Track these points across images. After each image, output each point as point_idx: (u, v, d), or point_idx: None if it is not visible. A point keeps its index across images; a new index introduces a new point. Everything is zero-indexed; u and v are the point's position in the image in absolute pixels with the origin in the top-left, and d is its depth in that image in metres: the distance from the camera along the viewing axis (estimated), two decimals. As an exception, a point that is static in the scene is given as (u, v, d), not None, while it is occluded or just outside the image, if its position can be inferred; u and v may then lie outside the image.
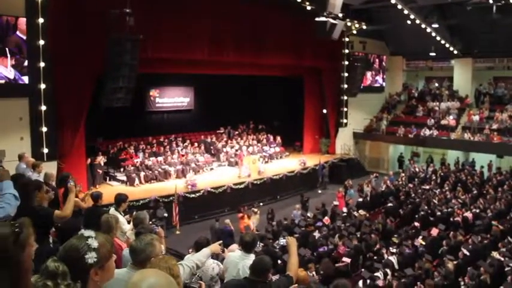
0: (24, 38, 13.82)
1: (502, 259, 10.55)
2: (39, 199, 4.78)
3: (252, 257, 4.67)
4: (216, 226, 14.85)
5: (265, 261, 4.14)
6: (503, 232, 12.86)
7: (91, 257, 1.97)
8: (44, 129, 14.53)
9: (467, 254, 11.05)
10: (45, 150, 14.56)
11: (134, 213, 6.95)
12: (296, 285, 4.01)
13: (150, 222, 7.12)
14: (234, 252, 5.19)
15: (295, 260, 4.52)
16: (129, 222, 6.41)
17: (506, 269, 9.92)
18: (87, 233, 2.05)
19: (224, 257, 5.31)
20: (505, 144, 22.92)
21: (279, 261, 10.02)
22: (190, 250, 8.88)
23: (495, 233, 12.71)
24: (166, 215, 16.01)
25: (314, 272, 9.22)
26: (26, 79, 14.05)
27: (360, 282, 9.49)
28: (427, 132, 25.65)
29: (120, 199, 6.65)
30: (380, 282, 9.39)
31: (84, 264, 1.96)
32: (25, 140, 14.25)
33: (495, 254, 10.93)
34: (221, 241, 4.94)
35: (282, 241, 11.77)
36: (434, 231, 12.95)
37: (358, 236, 12.72)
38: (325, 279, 9.20)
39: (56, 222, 4.89)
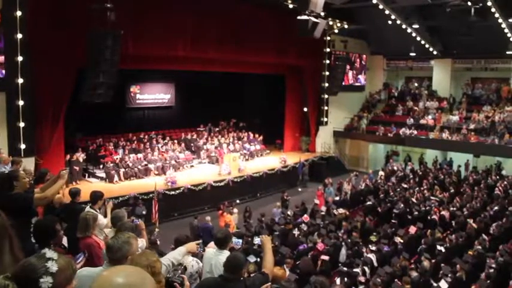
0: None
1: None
2: (19, 188, 4.73)
3: (225, 253, 4.69)
4: (194, 223, 14.83)
5: (239, 258, 4.16)
6: (478, 230, 13.10)
7: (45, 282, 1.82)
8: (22, 124, 14.27)
9: (443, 251, 11.24)
10: (23, 146, 14.31)
11: (108, 201, 6.90)
12: (269, 283, 4.03)
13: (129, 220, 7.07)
14: (210, 249, 5.21)
15: (270, 258, 4.58)
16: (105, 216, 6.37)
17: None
18: (49, 253, 1.90)
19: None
20: (481, 144, 23.32)
21: (258, 260, 10.04)
22: (172, 247, 8.85)
23: (470, 231, 12.94)
24: (144, 212, 15.89)
25: (289, 268, 9.23)
26: (3, 73, 13.79)
27: (338, 280, 9.57)
28: (407, 131, 25.93)
29: (96, 196, 6.57)
30: (359, 279, 9.49)
31: (36, 287, 1.82)
32: (2, 136, 13.98)
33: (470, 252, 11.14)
34: (200, 241, 4.94)
35: (257, 240, 11.75)
36: (412, 230, 13.11)
37: (338, 233, 12.82)
38: (304, 277, 9.25)
39: (37, 204, 4.84)
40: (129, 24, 15.60)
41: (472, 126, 24.53)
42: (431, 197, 17.31)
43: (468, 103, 26.65)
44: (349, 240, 12.34)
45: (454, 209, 15.66)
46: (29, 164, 12.48)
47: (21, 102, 14.14)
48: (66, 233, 5.71)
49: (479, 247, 11.46)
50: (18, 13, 13.60)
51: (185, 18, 18.15)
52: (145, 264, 2.75)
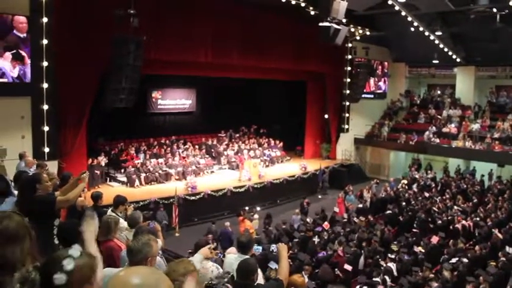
0: (21, 36, 13.79)
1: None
2: (41, 191, 4.79)
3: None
4: (212, 228, 14.85)
5: (250, 264, 4.17)
6: (503, 241, 12.83)
7: (59, 278, 1.82)
8: (46, 128, 14.54)
9: (466, 262, 11.03)
10: (47, 150, 14.57)
11: (129, 205, 6.97)
12: None
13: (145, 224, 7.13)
14: (232, 254, 5.21)
15: (285, 265, 4.59)
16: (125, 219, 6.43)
17: None
18: (71, 251, 1.92)
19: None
20: (506, 153, 22.86)
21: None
22: (189, 251, 8.87)
23: (495, 242, 12.67)
24: (167, 222, 15.82)
25: (308, 275, 9.16)
26: (29, 78, 14.06)
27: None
28: (431, 136, 25.56)
29: (118, 201, 6.63)
30: (379, 289, 9.38)
31: (51, 282, 1.83)
32: (26, 139, 14.24)
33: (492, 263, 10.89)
34: (211, 245, 4.93)
35: (273, 247, 11.69)
36: (435, 239, 12.91)
37: (357, 242, 12.70)
38: (323, 285, 9.19)
39: (58, 207, 4.89)
40: (151, 30, 15.76)
41: (496, 135, 24.10)
42: (455, 207, 17.03)
43: (492, 111, 26.22)
44: (367, 248, 12.19)
45: (478, 219, 15.37)
46: (52, 167, 12.64)
47: (45, 107, 14.41)
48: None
49: (504, 259, 11.22)
50: (45, 19, 13.89)
51: (206, 24, 18.26)
52: (182, 272, 2.73)
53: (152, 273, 1.67)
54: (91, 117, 16.75)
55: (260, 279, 4.46)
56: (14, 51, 13.68)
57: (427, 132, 25.81)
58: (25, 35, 13.87)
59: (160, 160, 20.43)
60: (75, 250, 1.94)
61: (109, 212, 6.45)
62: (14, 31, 13.69)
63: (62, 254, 1.91)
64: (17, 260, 2.09)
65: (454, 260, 11.16)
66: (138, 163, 19.63)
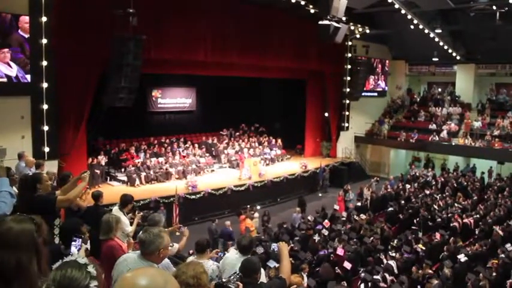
0: (26, 36, 13.78)
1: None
2: (42, 190, 4.80)
3: None
4: (212, 227, 14.85)
5: (254, 262, 4.17)
6: (503, 238, 12.84)
7: (94, 286, 1.85)
8: (46, 128, 14.52)
9: (466, 259, 11.03)
10: (46, 149, 14.55)
11: (139, 213, 6.98)
12: (295, 286, 4.03)
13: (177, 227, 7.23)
14: (231, 254, 5.21)
15: (287, 263, 4.59)
16: (131, 224, 6.43)
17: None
18: (81, 260, 1.92)
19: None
20: (506, 151, 22.90)
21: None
22: (191, 252, 8.86)
23: (495, 239, 12.68)
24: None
25: (306, 273, 9.17)
26: (28, 77, 14.05)
27: (362, 286, 9.48)
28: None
29: (126, 200, 6.68)
30: (380, 285, 9.38)
31: None
32: (26, 139, 14.23)
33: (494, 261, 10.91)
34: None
35: (274, 245, 11.70)
36: (437, 236, 12.92)
37: (358, 240, 12.70)
38: (323, 284, 9.19)
39: (59, 206, 4.90)
40: (151, 29, 15.77)
41: (496, 133, 24.12)
42: (455, 204, 17.04)
43: (492, 109, 26.23)
44: (366, 246, 12.21)
45: (477, 216, 15.39)
46: (52, 166, 12.65)
47: (45, 106, 14.38)
48: (89, 235, 5.77)
49: (503, 255, 11.23)
50: (44, 19, 13.86)
51: (206, 23, 18.24)
52: (192, 274, 2.71)
53: (160, 274, 1.65)
54: (91, 117, 16.74)
55: (262, 278, 4.46)
56: (14, 50, 13.65)
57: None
58: (29, 35, 13.84)
59: (161, 159, 20.44)
60: (81, 259, 1.93)
61: (115, 209, 6.46)
62: (19, 31, 13.65)
63: (80, 267, 1.87)
64: (6, 269, 1.90)
65: (461, 258, 11.16)
66: (138, 162, 19.63)
